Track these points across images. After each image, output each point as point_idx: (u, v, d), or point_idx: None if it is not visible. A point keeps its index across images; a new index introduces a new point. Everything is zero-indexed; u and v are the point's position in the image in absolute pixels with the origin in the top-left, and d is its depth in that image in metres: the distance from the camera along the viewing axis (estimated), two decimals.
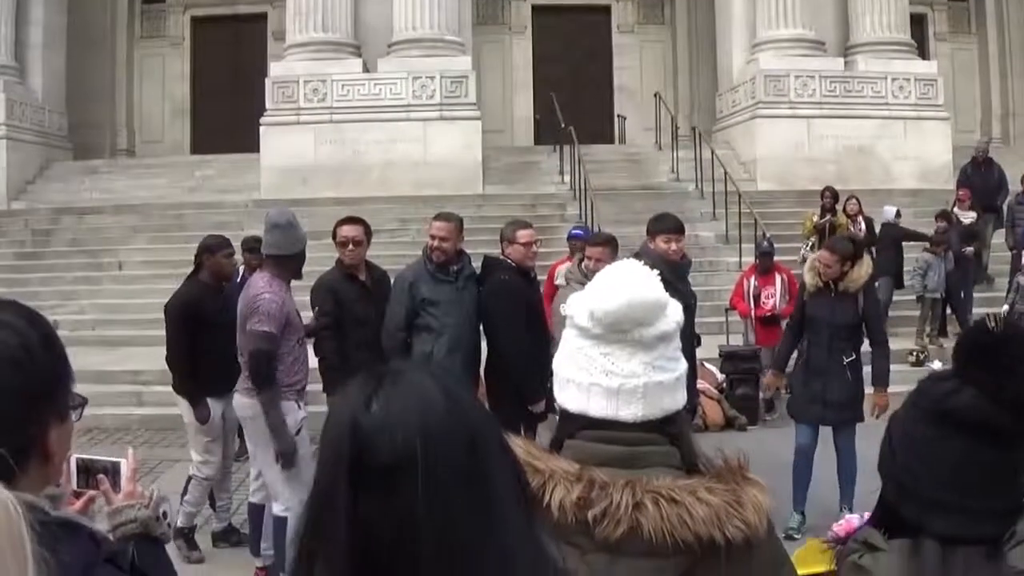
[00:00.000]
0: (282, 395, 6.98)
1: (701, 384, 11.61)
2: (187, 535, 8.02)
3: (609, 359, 2.16)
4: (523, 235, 8.03)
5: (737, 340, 13.90)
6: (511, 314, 7.79)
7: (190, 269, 8.49)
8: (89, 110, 25.95)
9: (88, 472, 2.47)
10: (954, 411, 1.87)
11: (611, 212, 18.26)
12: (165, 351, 8.34)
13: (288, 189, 20.44)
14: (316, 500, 1.49)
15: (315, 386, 7.73)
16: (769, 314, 12.88)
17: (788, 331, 9.01)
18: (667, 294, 2.22)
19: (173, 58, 27.79)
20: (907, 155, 21.68)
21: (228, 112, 26.19)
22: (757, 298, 13.15)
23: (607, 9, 28.16)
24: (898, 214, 16.40)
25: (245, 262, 11.03)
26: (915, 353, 14.59)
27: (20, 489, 1.20)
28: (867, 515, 2.24)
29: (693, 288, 8.28)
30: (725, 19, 23.97)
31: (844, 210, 16.38)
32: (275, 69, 22.23)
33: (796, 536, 7.78)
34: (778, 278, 13.16)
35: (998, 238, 18.07)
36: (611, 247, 8.32)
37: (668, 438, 2.19)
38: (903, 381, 13.39)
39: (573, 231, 12.65)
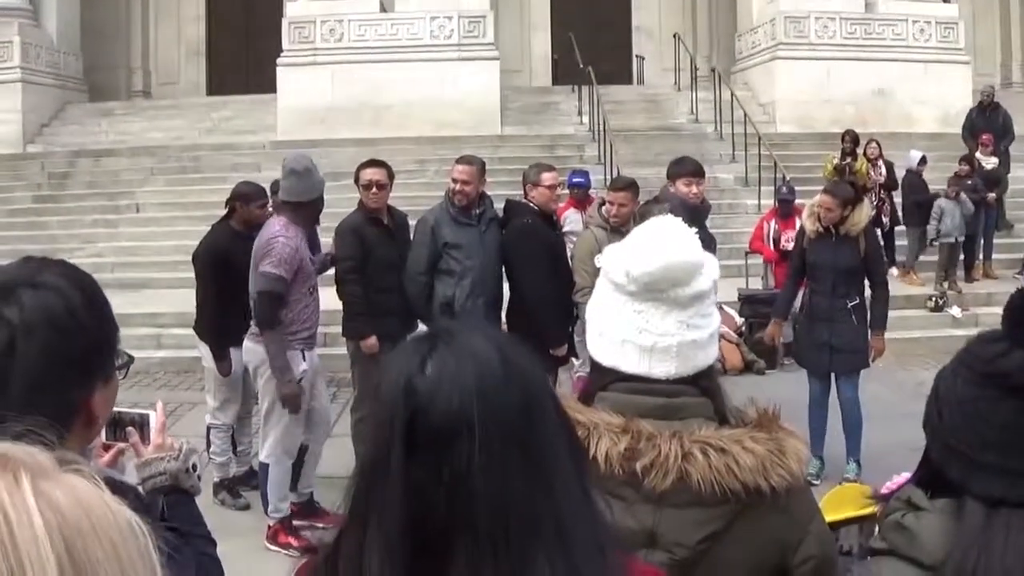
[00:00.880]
0: (288, 344, 6.96)
1: (720, 327, 11.56)
2: (227, 486, 8.02)
3: (643, 317, 2.16)
4: (548, 178, 7.99)
5: (756, 283, 13.86)
6: (534, 257, 7.76)
7: (206, 212, 8.42)
8: (104, 52, 25.85)
9: (117, 424, 2.43)
10: (1004, 373, 1.85)
11: (629, 153, 18.21)
12: (195, 299, 8.17)
13: (305, 130, 20.33)
14: (368, 465, 1.46)
15: (332, 328, 7.66)
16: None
17: (788, 279, 8.94)
18: (704, 253, 2.21)
19: None
20: (927, 99, 21.44)
21: (244, 53, 26.12)
22: (777, 241, 13.10)
23: None
24: (923, 160, 16.14)
25: (274, 206, 10.95)
26: (934, 299, 14.53)
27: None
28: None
29: (712, 231, 8.24)
30: None
31: (864, 153, 16.24)
32: (291, 9, 22.10)
33: (815, 482, 7.74)
34: (798, 222, 13.06)
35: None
36: (633, 191, 8.27)
37: (700, 390, 2.19)
38: (921, 326, 13.57)
39: (573, 179, 12.23)
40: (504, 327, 7.78)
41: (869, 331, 8.28)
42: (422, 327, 7.54)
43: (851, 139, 16.31)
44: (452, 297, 7.59)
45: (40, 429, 1.08)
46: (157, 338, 13.28)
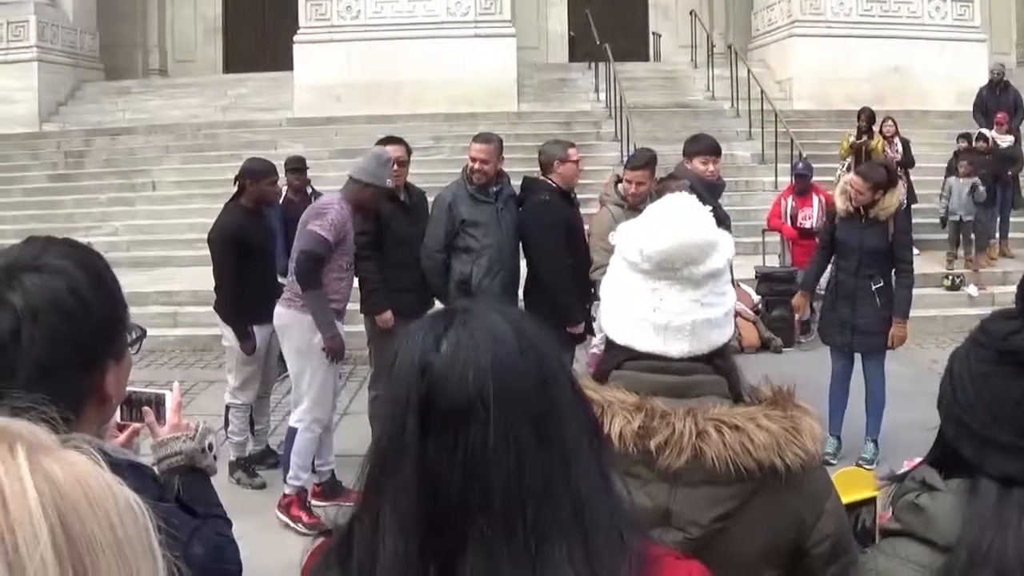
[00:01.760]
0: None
1: (737, 305, 11.56)
2: (244, 465, 8.04)
3: (657, 295, 2.15)
4: (574, 153, 8.00)
5: (773, 261, 13.83)
6: (551, 235, 7.74)
7: (223, 190, 8.40)
8: (120, 30, 25.84)
9: (132, 404, 2.42)
10: (1018, 351, 1.83)
11: (646, 130, 18.16)
12: (214, 281, 8.14)
13: (322, 107, 20.39)
14: (383, 444, 1.46)
15: (349, 307, 7.71)
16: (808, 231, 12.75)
17: (818, 253, 8.92)
18: (719, 231, 2.19)
19: None
20: (943, 77, 21.28)
21: (261, 30, 26.11)
22: (794, 218, 13.07)
23: None
24: None
25: (288, 183, 10.94)
26: (951, 277, 14.49)
27: (76, 431, 1.17)
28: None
29: (728, 209, 8.21)
30: None
31: (880, 131, 16.16)
32: None
33: (832, 461, 7.72)
34: (815, 199, 13.07)
35: None
36: (651, 169, 8.21)
37: (714, 368, 2.18)
38: (938, 305, 13.53)
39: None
40: (521, 305, 7.78)
41: (892, 316, 8.26)
42: (438, 305, 7.55)
43: (867, 118, 16.20)
44: (469, 275, 7.59)
45: (41, 405, 1.08)
46: (173, 316, 13.32)
